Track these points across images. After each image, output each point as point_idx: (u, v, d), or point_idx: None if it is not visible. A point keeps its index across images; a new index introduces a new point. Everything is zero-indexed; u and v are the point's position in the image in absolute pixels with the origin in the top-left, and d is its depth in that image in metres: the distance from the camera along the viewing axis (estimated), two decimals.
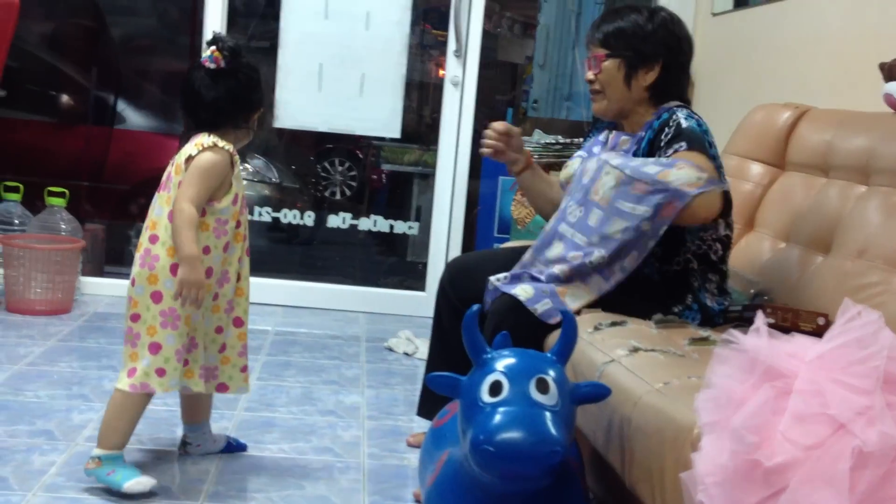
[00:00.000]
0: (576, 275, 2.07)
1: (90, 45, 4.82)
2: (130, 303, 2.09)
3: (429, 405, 2.41)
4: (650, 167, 2.02)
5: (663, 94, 2.22)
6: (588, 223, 2.08)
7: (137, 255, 2.11)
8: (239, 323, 2.22)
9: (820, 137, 2.45)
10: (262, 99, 2.19)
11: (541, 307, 2.03)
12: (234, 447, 2.35)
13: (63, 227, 3.65)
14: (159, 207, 2.10)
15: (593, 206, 2.08)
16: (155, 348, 2.06)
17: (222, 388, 2.24)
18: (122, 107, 4.80)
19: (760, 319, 1.33)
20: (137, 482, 2.05)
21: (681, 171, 1.99)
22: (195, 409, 2.29)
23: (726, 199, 2.16)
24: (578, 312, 2.04)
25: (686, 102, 2.26)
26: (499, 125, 2.42)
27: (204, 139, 2.09)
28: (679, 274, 2.16)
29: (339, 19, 3.96)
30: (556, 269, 2.10)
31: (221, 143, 2.10)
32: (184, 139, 2.15)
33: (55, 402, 2.57)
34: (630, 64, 2.21)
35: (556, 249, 2.14)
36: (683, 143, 2.09)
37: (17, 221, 3.63)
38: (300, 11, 3.94)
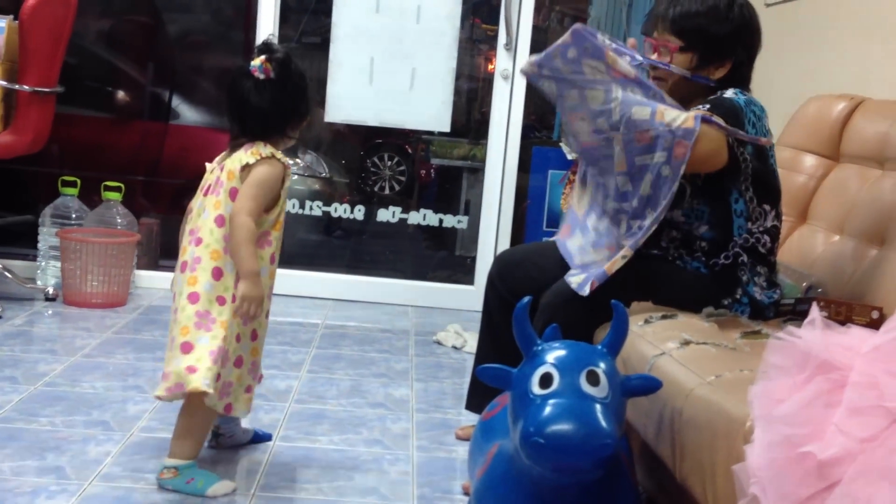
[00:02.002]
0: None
1: (146, 42, 4.89)
2: (173, 305, 2.09)
3: (477, 398, 2.42)
4: (641, 109, 1.94)
5: (727, 85, 2.16)
6: (621, 192, 2.02)
7: (184, 260, 2.08)
8: (254, 336, 2.15)
9: (875, 128, 2.41)
10: (308, 108, 2.17)
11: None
12: (259, 437, 2.37)
13: (119, 221, 3.72)
14: (207, 211, 2.08)
15: (616, 176, 2.01)
16: (187, 348, 2.03)
17: (228, 408, 2.11)
18: (177, 102, 4.87)
19: (815, 312, 1.31)
20: (220, 486, 2.06)
21: (672, 110, 1.94)
22: None
23: (773, 186, 2.12)
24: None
25: (747, 90, 2.19)
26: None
27: (262, 149, 2.08)
28: (728, 268, 2.13)
29: (390, 14, 3.97)
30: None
31: (278, 156, 2.09)
32: (231, 144, 2.13)
33: (111, 394, 2.62)
34: (702, 59, 2.13)
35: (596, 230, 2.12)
36: (707, 105, 2.05)
37: (74, 216, 3.70)
38: (352, 6, 3.97)
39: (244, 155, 2.07)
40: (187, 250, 2.09)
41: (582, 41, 1.92)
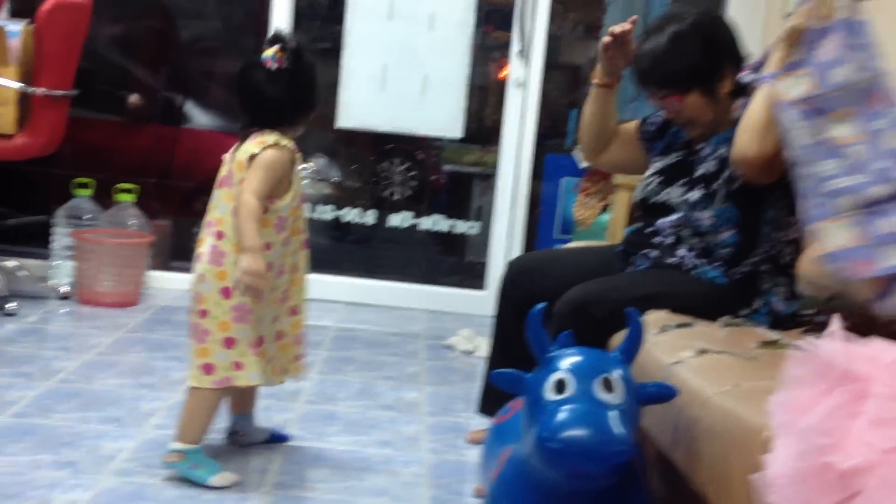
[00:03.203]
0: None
1: (159, 47, 4.91)
2: (197, 299, 2.12)
3: (489, 402, 2.42)
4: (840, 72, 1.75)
5: (744, 86, 2.15)
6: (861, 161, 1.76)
7: (201, 252, 2.13)
8: (293, 311, 2.25)
9: None
10: (318, 99, 2.20)
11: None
12: (277, 437, 2.39)
13: (131, 222, 3.74)
14: (223, 204, 2.13)
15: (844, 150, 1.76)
16: (229, 343, 2.09)
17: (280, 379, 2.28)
18: (189, 106, 4.89)
19: (836, 323, 1.32)
20: (222, 477, 2.09)
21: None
22: (244, 400, 2.32)
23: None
24: None
25: None
26: (628, 25, 2.32)
27: (266, 137, 2.10)
28: (748, 276, 2.14)
29: (403, 20, 3.99)
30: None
31: (284, 142, 2.12)
32: (241, 135, 2.17)
33: (124, 391, 2.64)
34: (707, 89, 2.17)
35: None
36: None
37: (87, 216, 3.72)
38: (364, 13, 3.98)
39: (250, 146, 2.10)
40: (205, 242, 2.13)
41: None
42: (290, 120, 2.15)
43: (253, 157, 2.08)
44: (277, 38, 2.12)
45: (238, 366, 2.10)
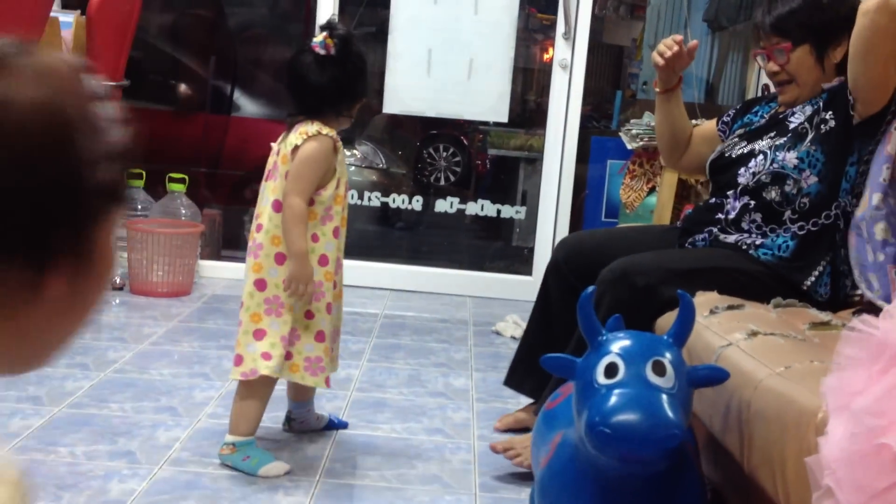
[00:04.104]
0: None
1: (208, 36, 4.96)
2: (244, 290, 2.14)
3: (518, 376, 2.43)
4: None
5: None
6: None
7: (249, 244, 2.16)
8: (329, 309, 2.17)
9: None
10: (366, 89, 2.21)
11: None
12: (335, 425, 2.40)
13: (183, 212, 3.79)
14: (267, 197, 2.13)
15: None
16: (259, 334, 2.09)
17: (327, 381, 2.20)
18: (238, 95, 4.94)
19: (894, 304, 1.29)
20: (273, 467, 2.11)
21: None
22: (301, 388, 2.31)
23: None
24: None
25: None
26: (678, 37, 2.32)
27: (308, 127, 2.10)
28: (818, 235, 2.11)
29: (448, 4, 3.98)
30: None
31: (325, 131, 2.10)
32: (288, 123, 2.17)
33: (178, 381, 2.68)
34: (819, 47, 2.15)
35: None
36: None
37: (140, 207, 3.78)
38: None
39: (294, 136, 2.10)
40: (253, 235, 2.14)
41: None
42: (336, 108, 2.14)
43: (296, 149, 2.09)
44: (328, 25, 2.14)
45: (266, 356, 2.08)
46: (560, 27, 3.95)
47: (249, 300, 2.11)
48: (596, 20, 4.13)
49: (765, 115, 2.31)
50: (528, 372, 2.38)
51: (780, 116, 2.24)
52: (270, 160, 2.17)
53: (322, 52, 2.09)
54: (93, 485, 2.00)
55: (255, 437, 2.15)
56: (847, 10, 2.12)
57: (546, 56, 4.42)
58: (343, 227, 2.19)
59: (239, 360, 2.11)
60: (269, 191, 2.14)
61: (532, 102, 4.92)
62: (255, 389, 2.13)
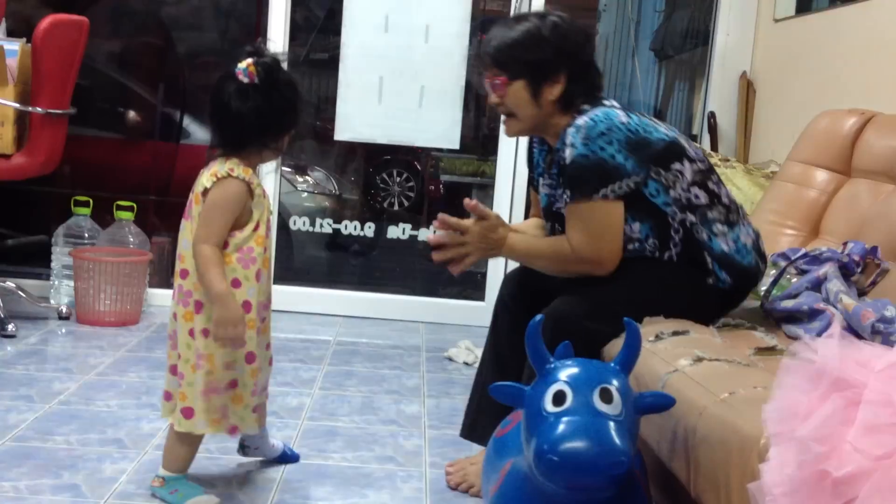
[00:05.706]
0: None
1: (157, 63, 4.93)
2: (173, 338, 2.06)
3: (480, 428, 2.30)
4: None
5: (573, 101, 2.15)
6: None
7: (174, 289, 2.05)
8: (250, 359, 2.06)
9: (886, 143, 2.42)
10: (295, 120, 2.03)
11: None
12: (288, 457, 2.36)
13: (131, 240, 3.74)
14: (185, 239, 2.01)
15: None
16: (188, 384, 2.04)
17: (232, 430, 2.10)
18: (187, 122, 4.91)
19: (836, 327, 1.32)
20: (199, 500, 2.07)
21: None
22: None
23: (669, 151, 2.10)
24: None
25: (596, 96, 2.17)
26: (446, 219, 2.29)
27: (220, 168, 1.96)
28: (686, 242, 2.13)
29: (399, 32, 4.00)
30: None
31: (237, 172, 1.96)
32: (207, 157, 2.03)
33: (125, 412, 2.63)
34: (533, 84, 2.13)
35: None
36: (567, 193, 2.09)
37: (86, 235, 3.73)
38: (361, 25, 4.00)
39: (205, 177, 1.97)
40: (179, 281, 2.04)
41: None
42: (259, 141, 1.99)
43: (206, 191, 1.96)
44: (254, 51, 1.98)
45: (186, 413, 2.03)
46: None
47: (187, 351, 2.02)
48: None
49: (542, 152, 2.33)
50: (490, 421, 2.29)
51: (554, 152, 2.22)
52: (190, 196, 2.03)
53: (245, 79, 1.93)
54: None
55: (185, 474, 2.11)
56: (569, 46, 2.14)
57: None
58: (266, 268, 2.04)
59: (188, 413, 2.05)
60: (187, 231, 2.01)
61: (484, 128, 4.95)
62: (184, 437, 2.09)
